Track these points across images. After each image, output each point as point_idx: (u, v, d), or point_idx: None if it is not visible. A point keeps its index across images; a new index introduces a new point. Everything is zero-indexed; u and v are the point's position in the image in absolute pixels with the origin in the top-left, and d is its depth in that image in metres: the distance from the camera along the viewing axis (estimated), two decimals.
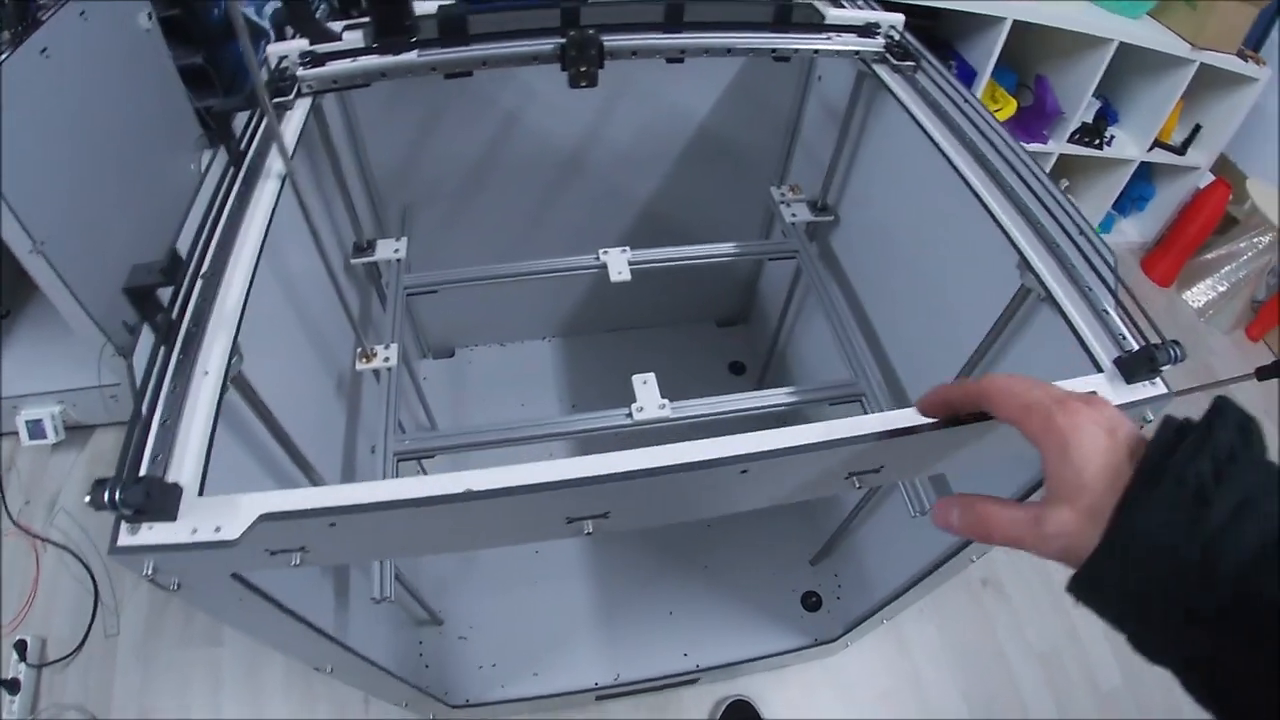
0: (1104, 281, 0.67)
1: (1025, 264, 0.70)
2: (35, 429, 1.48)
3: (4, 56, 1.00)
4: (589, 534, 0.53)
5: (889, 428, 0.51)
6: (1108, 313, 0.64)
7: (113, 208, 1.30)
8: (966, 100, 0.87)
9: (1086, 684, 1.39)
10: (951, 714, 1.33)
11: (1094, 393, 0.42)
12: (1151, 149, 1.93)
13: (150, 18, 1.43)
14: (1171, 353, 0.57)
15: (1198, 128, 1.97)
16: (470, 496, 0.47)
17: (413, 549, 0.58)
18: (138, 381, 0.55)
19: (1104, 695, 1.38)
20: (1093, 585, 0.35)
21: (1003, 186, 0.77)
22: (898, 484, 0.89)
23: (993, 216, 0.74)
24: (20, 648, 1.27)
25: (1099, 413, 0.38)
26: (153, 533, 0.47)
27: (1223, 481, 0.32)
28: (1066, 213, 0.73)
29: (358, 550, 0.59)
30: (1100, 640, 1.44)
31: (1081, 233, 0.72)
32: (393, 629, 1.10)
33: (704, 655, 1.21)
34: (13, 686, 1.23)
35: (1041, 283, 0.68)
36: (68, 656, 1.30)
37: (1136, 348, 0.60)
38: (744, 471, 0.49)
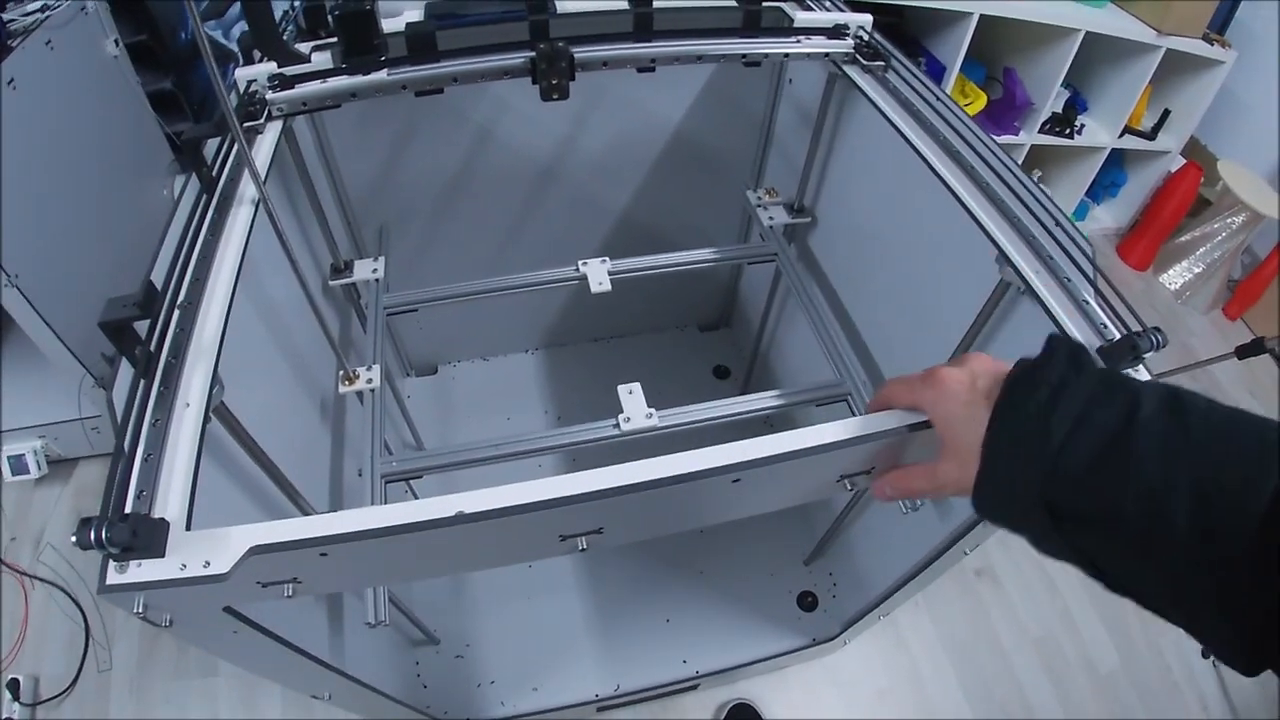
0: (1082, 272, 0.67)
1: (1003, 257, 0.71)
2: (17, 464, 1.46)
3: None
4: (583, 550, 0.52)
5: (877, 430, 0.52)
6: (1088, 303, 0.65)
7: (86, 237, 1.29)
8: (938, 97, 0.88)
9: (1084, 667, 1.40)
10: (951, 706, 1.34)
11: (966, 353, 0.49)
12: (1122, 135, 1.95)
13: (117, 44, 1.42)
14: (1153, 340, 0.58)
15: (1167, 112, 1.99)
16: (462, 520, 0.46)
17: (406, 574, 0.58)
18: (118, 417, 0.54)
19: (1102, 677, 1.39)
20: (981, 509, 0.43)
21: (977, 181, 0.77)
22: None
23: (969, 212, 0.75)
24: (13, 687, 1.25)
25: (960, 369, 0.46)
26: (141, 570, 0.46)
27: (1058, 406, 0.38)
28: (1042, 204, 0.74)
29: (350, 578, 0.59)
30: (1096, 623, 1.45)
31: (1058, 224, 0.72)
32: (389, 651, 1.09)
33: (703, 661, 1.21)
34: None
35: (1020, 275, 0.68)
36: (61, 694, 1.29)
37: (1118, 336, 0.61)
38: (736, 480, 0.49)
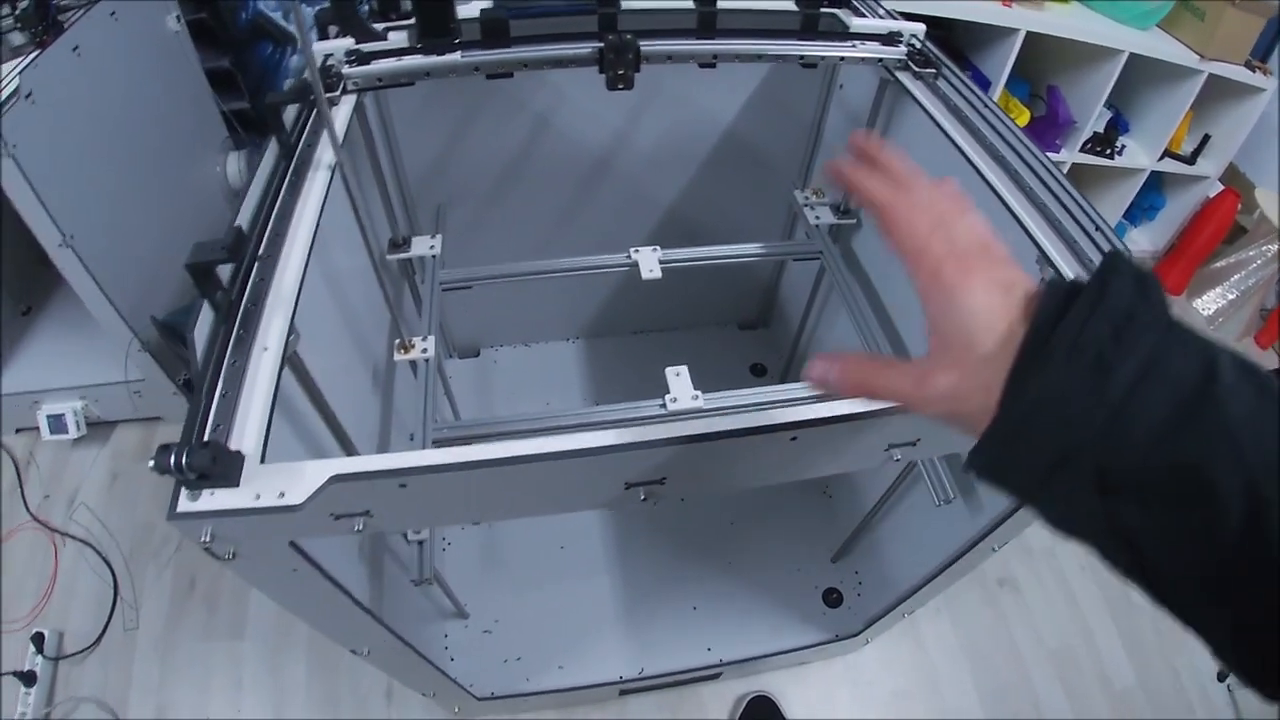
0: None
1: (1045, 259, 0.72)
2: (56, 424, 1.49)
3: (37, 53, 1.03)
4: (645, 500, 0.54)
5: None
6: None
7: (140, 206, 1.32)
8: (986, 105, 0.90)
9: (1100, 682, 1.40)
10: (967, 712, 1.34)
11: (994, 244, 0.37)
12: (1162, 158, 1.95)
13: (179, 20, 1.45)
14: None
15: (1207, 137, 1.99)
16: (545, 457, 0.48)
17: (477, 513, 0.60)
18: (199, 356, 0.57)
19: (1117, 694, 1.39)
20: (987, 462, 0.32)
21: (1022, 187, 0.79)
22: (921, 476, 0.91)
23: (1013, 215, 0.76)
24: (37, 640, 1.28)
25: (995, 267, 0.35)
26: (214, 498, 0.48)
27: (1122, 344, 0.28)
28: (1084, 211, 0.75)
29: (421, 514, 0.61)
30: (1114, 639, 1.45)
31: (1098, 229, 0.74)
32: (420, 621, 1.11)
33: (727, 650, 1.22)
34: (29, 679, 1.24)
35: (1061, 277, 0.70)
36: (86, 650, 1.31)
37: None
38: (794, 439, 0.51)
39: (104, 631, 1.33)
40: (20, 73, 0.98)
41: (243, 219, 0.67)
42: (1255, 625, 0.27)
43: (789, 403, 0.89)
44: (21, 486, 1.50)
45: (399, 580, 0.94)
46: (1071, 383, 0.29)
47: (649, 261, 0.99)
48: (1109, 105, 1.89)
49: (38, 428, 1.49)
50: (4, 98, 0.95)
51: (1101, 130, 1.89)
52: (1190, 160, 2.00)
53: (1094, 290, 0.30)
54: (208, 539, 0.49)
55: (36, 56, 1.02)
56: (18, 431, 1.58)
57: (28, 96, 0.99)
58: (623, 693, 1.24)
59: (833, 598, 1.30)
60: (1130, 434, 0.28)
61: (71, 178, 1.11)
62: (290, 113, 0.82)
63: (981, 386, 0.32)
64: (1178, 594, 0.30)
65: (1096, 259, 0.70)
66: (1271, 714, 1.16)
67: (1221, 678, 1.42)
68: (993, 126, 0.86)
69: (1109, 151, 1.89)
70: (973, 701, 1.35)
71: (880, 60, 0.97)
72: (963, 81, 0.94)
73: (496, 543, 1.36)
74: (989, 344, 0.32)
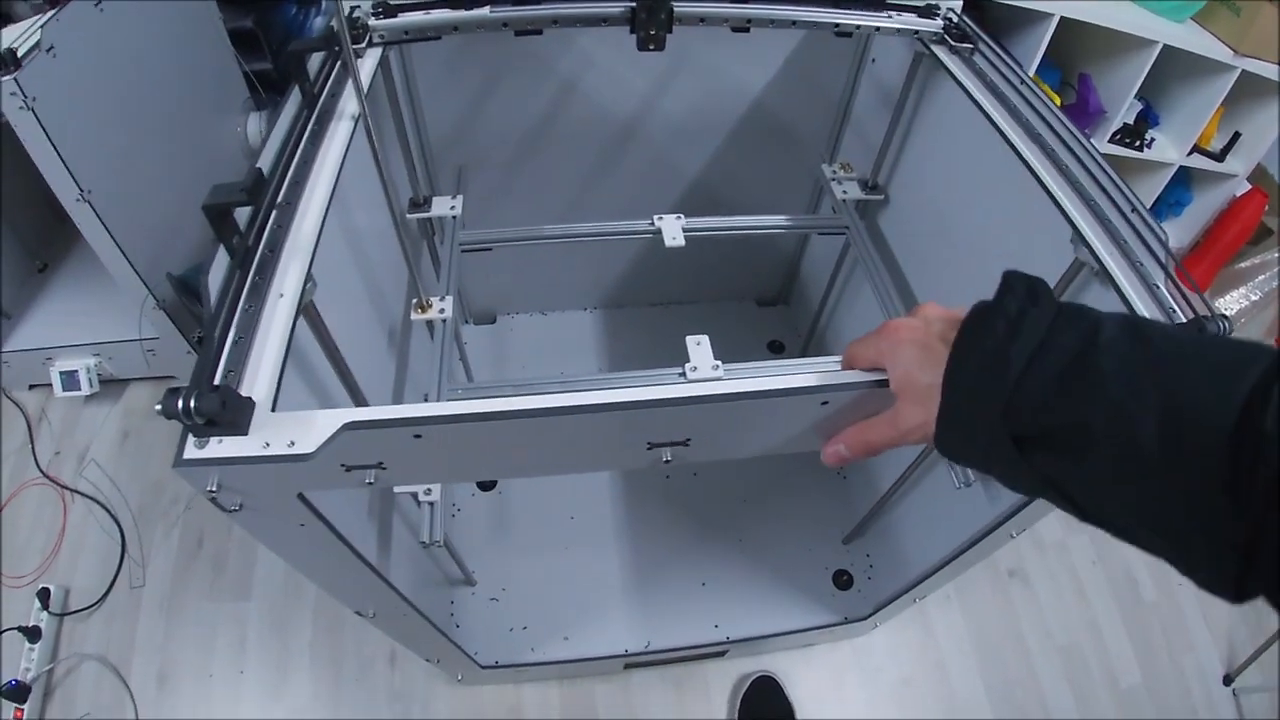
0: (1155, 257, 0.67)
1: (1080, 238, 0.71)
2: (69, 380, 1.49)
3: (59, 7, 1.01)
4: (667, 461, 0.53)
5: None
6: (1158, 287, 0.65)
7: (158, 164, 1.31)
8: (1024, 82, 0.88)
9: (1106, 679, 1.39)
10: (973, 703, 1.33)
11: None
12: (1191, 154, 1.91)
13: None
14: (1220, 325, 0.58)
15: (1237, 135, 1.95)
16: (568, 411, 0.47)
17: (494, 469, 0.59)
18: (213, 300, 0.55)
19: (1122, 692, 1.38)
20: (945, 448, 0.42)
21: (1058, 164, 0.77)
22: (940, 460, 0.90)
23: (1048, 192, 0.75)
24: (43, 596, 1.28)
25: (912, 317, 0.46)
26: (222, 446, 0.47)
27: (1018, 335, 0.37)
28: (1121, 191, 0.74)
29: (435, 469, 0.60)
30: (1122, 636, 1.44)
31: (1134, 210, 0.72)
32: (427, 586, 1.10)
33: (734, 627, 1.22)
34: (34, 634, 1.24)
35: (1095, 256, 0.69)
36: (91, 606, 1.32)
37: (1185, 320, 0.61)
38: (824, 403, 0.50)
39: (110, 589, 1.34)
40: (42, 26, 0.97)
41: (263, 164, 0.66)
42: (1190, 536, 0.33)
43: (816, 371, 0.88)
44: (32, 442, 1.50)
45: (407, 543, 0.93)
46: (981, 373, 0.38)
47: (673, 229, 0.97)
48: (1140, 97, 1.85)
49: (50, 384, 1.49)
50: (25, 51, 0.94)
51: (1131, 122, 1.85)
52: (1219, 157, 1.96)
53: (994, 302, 0.40)
54: (214, 488, 0.47)
55: (59, 10, 1.01)
56: (31, 388, 1.58)
57: (49, 50, 0.98)
58: (627, 666, 1.23)
59: (843, 580, 1.29)
60: (1029, 398, 0.36)
61: (90, 133, 1.10)
62: (314, 63, 0.80)
63: (930, 404, 0.42)
64: (1125, 529, 0.36)
65: (1133, 240, 0.69)
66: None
67: (1227, 681, 1.40)
68: (1030, 104, 0.84)
69: (1138, 144, 1.86)
70: (980, 695, 1.34)
71: (916, 33, 0.95)
72: (1000, 57, 0.92)
73: (506, 510, 1.35)
74: (924, 374, 0.43)
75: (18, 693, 1.18)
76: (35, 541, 1.39)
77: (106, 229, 1.16)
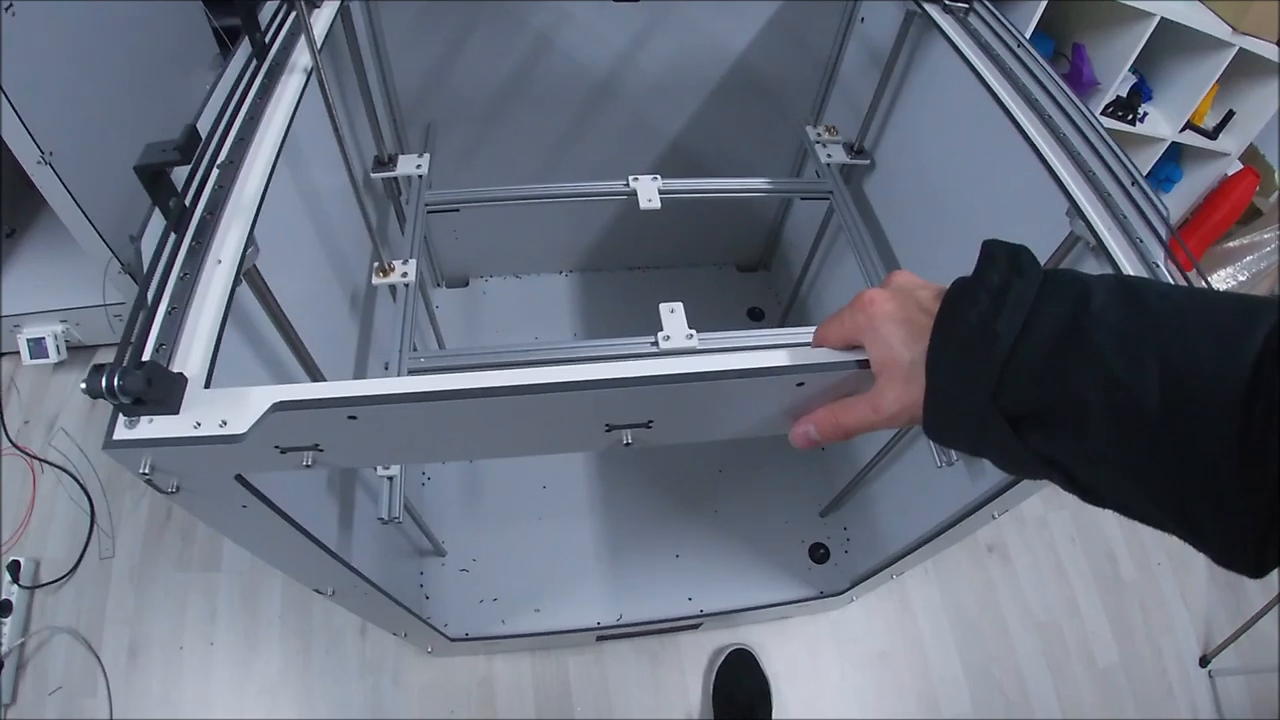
0: (1156, 233, 0.65)
1: (1076, 211, 0.68)
2: (37, 348, 1.46)
3: None
4: (628, 445, 0.50)
5: None
6: (1158, 265, 0.63)
7: (123, 124, 1.27)
8: (1021, 45, 0.84)
9: (1083, 657, 1.39)
10: (949, 678, 1.33)
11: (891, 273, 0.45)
12: (1183, 130, 1.89)
13: None
14: None
15: (1231, 114, 1.93)
16: (510, 391, 0.44)
17: (437, 451, 0.56)
18: (145, 265, 0.52)
19: (1099, 670, 1.38)
20: (934, 432, 0.39)
21: (1055, 133, 0.74)
22: (922, 435, 0.87)
23: (1045, 162, 0.72)
24: (14, 569, 1.26)
25: (886, 290, 0.43)
26: (153, 426, 0.44)
27: (1004, 308, 0.35)
28: (1122, 163, 0.71)
29: (377, 451, 0.57)
30: (1100, 615, 1.44)
31: (1135, 183, 0.69)
32: (394, 557, 1.08)
33: (708, 600, 1.21)
34: (4, 608, 1.22)
35: (1092, 230, 0.66)
36: (61, 579, 1.30)
37: None
38: (800, 384, 0.47)
39: (80, 560, 1.32)
40: None
41: (204, 122, 0.62)
42: (1200, 508, 0.30)
43: (790, 347, 0.86)
44: (1, 412, 1.47)
45: (372, 515, 0.91)
46: (966, 351, 0.36)
47: (648, 190, 0.94)
48: (1134, 70, 1.82)
49: (18, 352, 1.46)
50: None
51: (1124, 95, 1.82)
52: (1212, 135, 1.94)
53: (976, 274, 0.37)
54: (147, 470, 0.45)
55: None
56: None
57: (8, 8, 0.95)
58: (600, 638, 1.22)
59: (820, 554, 1.28)
60: (1021, 374, 0.34)
61: (52, 93, 1.07)
62: (268, 13, 0.76)
63: (915, 383, 0.39)
64: (1132, 506, 0.34)
65: (1132, 215, 0.66)
66: (1249, 703, 1.16)
67: (1204, 663, 1.41)
68: (1028, 68, 0.81)
69: (1130, 117, 1.83)
70: (956, 669, 1.34)
71: None
72: (996, 19, 0.88)
73: (478, 480, 1.33)
74: (906, 350, 0.40)
75: None
76: (5, 513, 1.37)
77: (69, 192, 1.13)
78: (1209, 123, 1.95)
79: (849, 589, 1.20)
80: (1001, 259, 0.37)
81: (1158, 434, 0.30)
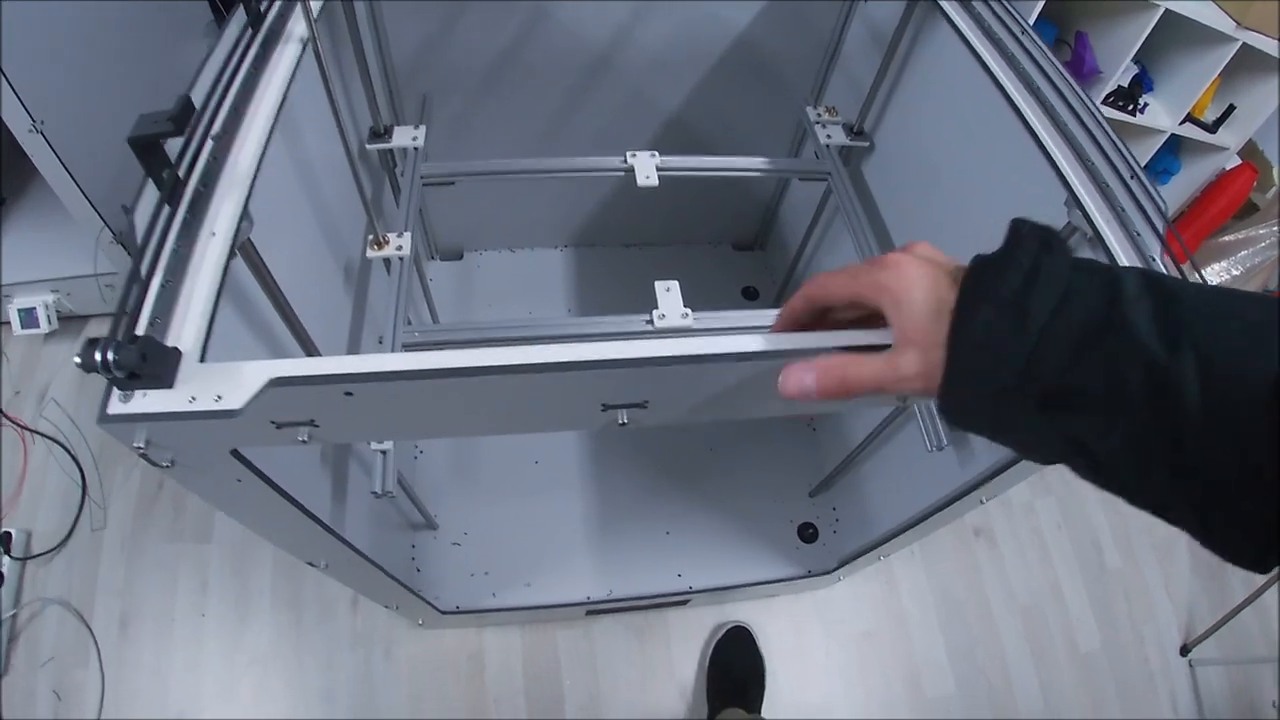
0: (1153, 227, 0.65)
1: (1075, 201, 0.68)
2: (28, 318, 1.45)
3: None
4: (623, 424, 0.50)
5: None
6: (1154, 260, 0.63)
7: (116, 92, 1.25)
8: (1025, 31, 0.84)
9: (1066, 643, 1.41)
10: (933, 659, 1.35)
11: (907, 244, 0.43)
12: (1183, 123, 1.89)
13: None
14: None
15: (1231, 108, 1.93)
16: (513, 369, 0.43)
17: (433, 429, 0.56)
18: (138, 238, 0.51)
19: (1081, 656, 1.41)
20: (951, 410, 0.38)
21: (1056, 123, 0.74)
22: (914, 418, 0.88)
23: (1045, 151, 0.72)
24: (5, 540, 1.26)
25: (913, 255, 0.41)
26: (147, 400, 0.43)
27: (1034, 287, 0.34)
28: (1122, 155, 0.71)
29: (373, 427, 0.56)
30: (1084, 601, 1.46)
31: (1134, 176, 0.69)
32: (386, 530, 1.09)
33: (697, 577, 1.22)
34: None
35: (1090, 221, 0.66)
36: (53, 550, 1.30)
37: None
38: None
39: (71, 532, 1.32)
40: None
41: (198, 92, 0.61)
42: (1207, 499, 0.31)
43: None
44: None
45: (364, 489, 0.91)
46: (997, 326, 0.35)
47: (646, 167, 0.93)
48: (1136, 60, 1.82)
49: (8, 322, 1.45)
50: None
51: (1126, 85, 1.82)
52: (1212, 129, 1.94)
53: (1005, 251, 0.36)
54: (141, 444, 0.44)
55: None
56: None
57: None
58: (589, 613, 1.23)
59: (808, 533, 1.29)
60: (1052, 357, 0.33)
61: (43, 61, 1.05)
62: None
63: (937, 354, 0.37)
64: (1137, 483, 0.34)
65: (1131, 208, 0.66)
66: (1228, 693, 1.17)
67: (1184, 652, 1.43)
68: (1031, 56, 0.81)
69: (1131, 108, 1.82)
70: (939, 651, 1.36)
71: None
72: (1001, 4, 0.87)
73: (470, 454, 1.33)
74: (932, 320, 0.38)
75: None
76: None
77: (60, 161, 1.12)
78: (1209, 116, 1.95)
79: (836, 569, 1.21)
80: (1031, 237, 0.36)
81: (1195, 418, 0.30)
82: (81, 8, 1.14)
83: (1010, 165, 0.79)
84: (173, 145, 0.55)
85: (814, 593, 1.36)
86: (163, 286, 0.49)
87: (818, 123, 1.09)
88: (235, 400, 0.43)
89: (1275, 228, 1.96)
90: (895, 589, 1.40)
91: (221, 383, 0.44)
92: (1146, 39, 1.64)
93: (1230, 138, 1.96)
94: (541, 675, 1.25)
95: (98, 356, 0.40)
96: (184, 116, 0.54)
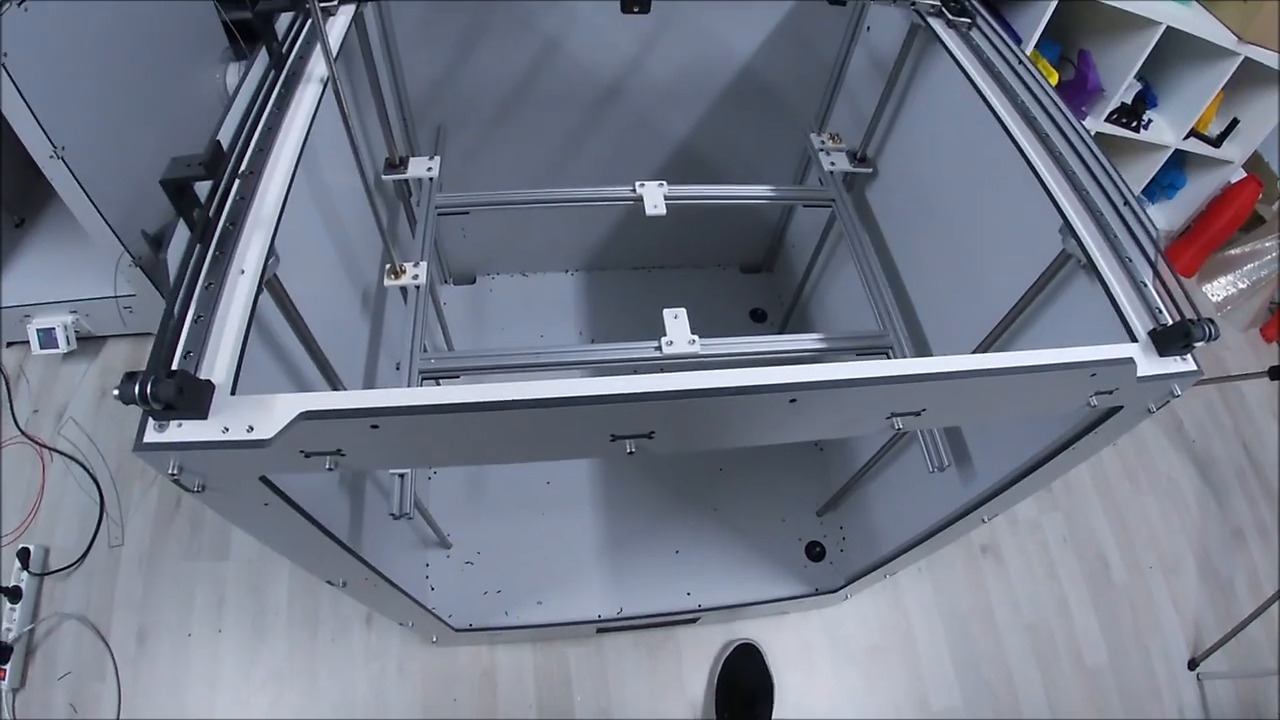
0: (1145, 254, 0.67)
1: (1069, 229, 0.70)
2: (46, 338, 1.47)
3: None
4: (631, 453, 0.52)
5: (937, 370, 0.51)
6: (1145, 285, 0.65)
7: (135, 118, 1.28)
8: (1021, 62, 0.86)
9: (1072, 657, 1.41)
10: (940, 675, 1.36)
11: None
12: (1187, 138, 1.89)
13: None
14: (1206, 330, 0.58)
15: (1235, 122, 1.93)
16: (525, 405, 0.46)
17: (451, 458, 0.58)
18: (172, 277, 0.54)
19: (1088, 670, 1.41)
20: None
21: (1051, 151, 0.76)
22: (916, 440, 0.90)
23: (1040, 180, 0.74)
24: (23, 556, 1.28)
25: None
26: (182, 430, 0.46)
27: None
28: (1114, 182, 0.73)
29: (395, 457, 0.59)
30: (1090, 616, 1.46)
31: (1126, 203, 0.71)
32: (401, 549, 1.11)
33: (706, 596, 1.23)
34: (14, 594, 1.24)
35: (1084, 249, 0.68)
36: (70, 566, 1.32)
37: (1172, 322, 0.60)
38: (793, 400, 0.49)
39: (89, 548, 1.34)
40: None
41: (225, 133, 0.64)
42: None
43: (790, 354, 0.88)
44: (10, 401, 1.49)
45: (381, 509, 0.93)
46: None
47: (654, 197, 0.96)
48: (1140, 77, 1.83)
49: (28, 342, 1.47)
50: None
51: (1129, 102, 1.83)
52: (1216, 143, 1.94)
53: None
54: (175, 471, 0.47)
55: None
56: (8, 345, 1.56)
57: (20, 3, 0.95)
58: (600, 631, 1.25)
59: (816, 551, 1.31)
60: None
61: (64, 87, 1.08)
62: (284, 22, 0.77)
63: None
64: None
65: (1122, 234, 0.68)
66: (1236, 707, 1.17)
67: (1192, 666, 1.43)
68: (1025, 85, 0.83)
69: (1135, 124, 1.83)
70: (947, 666, 1.36)
71: (912, 4, 0.93)
72: (998, 34, 0.90)
73: (483, 474, 1.35)
74: None
75: None
76: (15, 501, 1.38)
77: (81, 186, 1.14)
78: (1213, 130, 1.95)
79: (844, 586, 1.23)
80: None
81: None
82: (102, 36, 1.17)
83: (1008, 192, 0.81)
84: (202, 182, 0.58)
85: (822, 610, 1.37)
86: (195, 321, 0.52)
87: (821, 149, 1.11)
88: (266, 431, 0.46)
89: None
90: (903, 606, 1.41)
91: (253, 415, 0.47)
92: (1149, 55, 1.65)
93: (1235, 151, 1.96)
94: (553, 691, 1.26)
95: (136, 390, 0.43)
96: (215, 161, 0.56)
